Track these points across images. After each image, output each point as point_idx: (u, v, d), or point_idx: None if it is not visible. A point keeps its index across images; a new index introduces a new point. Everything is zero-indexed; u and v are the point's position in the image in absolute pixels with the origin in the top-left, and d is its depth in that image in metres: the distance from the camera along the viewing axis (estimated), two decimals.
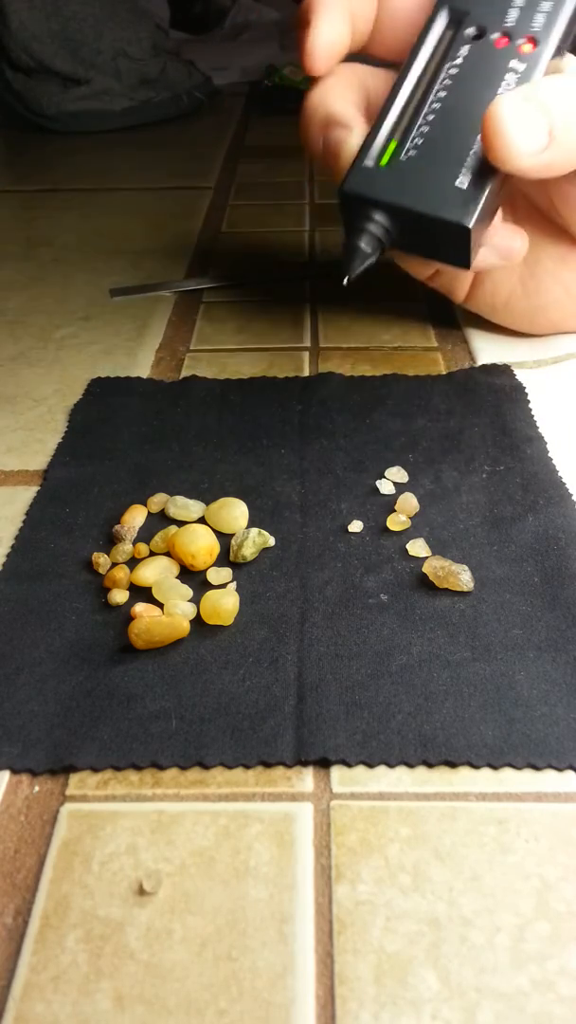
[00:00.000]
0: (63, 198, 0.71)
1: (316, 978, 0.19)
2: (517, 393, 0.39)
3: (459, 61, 0.33)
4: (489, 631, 0.27)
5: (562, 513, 0.31)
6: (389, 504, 0.32)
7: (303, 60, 0.34)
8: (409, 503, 0.32)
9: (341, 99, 0.35)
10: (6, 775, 0.23)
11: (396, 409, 0.38)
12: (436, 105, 0.33)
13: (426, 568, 0.29)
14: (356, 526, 0.31)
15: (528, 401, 0.38)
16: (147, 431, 0.37)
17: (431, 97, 0.33)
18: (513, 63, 0.33)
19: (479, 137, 0.32)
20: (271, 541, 0.30)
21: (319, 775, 0.23)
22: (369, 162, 0.33)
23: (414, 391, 0.40)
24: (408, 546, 0.30)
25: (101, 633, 0.27)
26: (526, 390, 0.39)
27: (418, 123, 0.33)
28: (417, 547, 0.30)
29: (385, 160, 0.33)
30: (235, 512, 0.31)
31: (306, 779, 0.23)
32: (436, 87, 0.33)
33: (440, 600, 0.28)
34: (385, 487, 0.33)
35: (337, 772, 0.23)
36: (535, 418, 0.37)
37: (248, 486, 0.34)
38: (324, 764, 0.23)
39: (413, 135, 0.33)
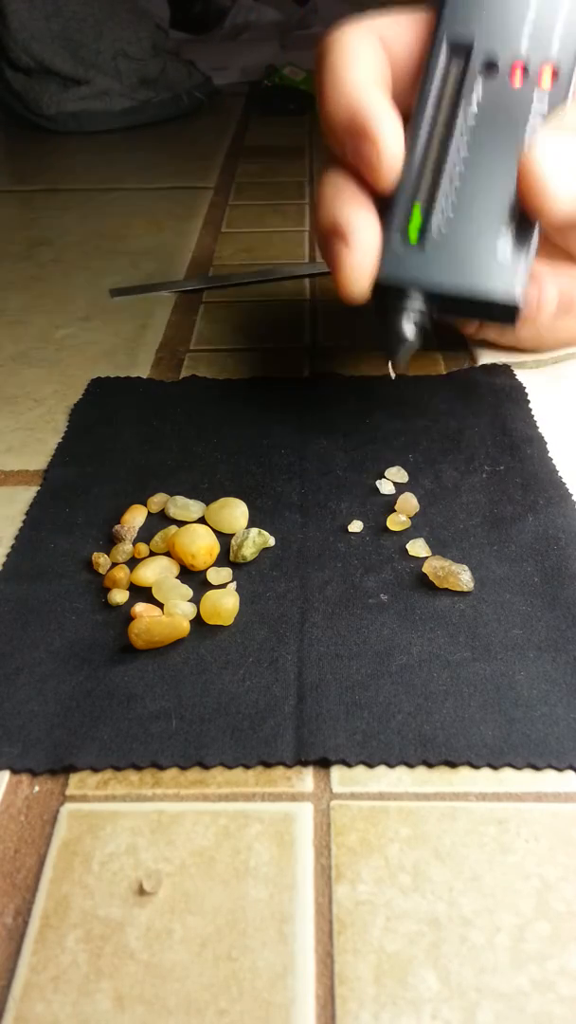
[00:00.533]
0: (63, 198, 0.71)
1: (316, 978, 0.19)
2: (517, 393, 0.39)
3: (474, 108, 0.30)
4: (489, 631, 0.27)
5: (562, 513, 0.31)
6: (389, 504, 0.32)
7: (371, 177, 0.30)
8: (409, 503, 0.32)
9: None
10: (6, 775, 0.23)
11: (396, 409, 0.38)
12: (459, 168, 0.30)
13: (426, 568, 0.29)
14: (356, 526, 0.31)
15: (528, 401, 0.38)
16: (147, 431, 0.37)
17: (450, 153, 0.30)
18: (536, 104, 0.29)
19: (510, 199, 0.29)
20: (271, 541, 0.30)
21: (319, 775, 0.23)
22: (399, 242, 0.30)
23: (414, 391, 0.39)
24: (408, 546, 0.30)
25: (101, 633, 0.27)
26: (526, 390, 0.39)
27: (442, 186, 0.30)
28: (417, 547, 0.30)
29: (414, 235, 0.30)
30: (235, 512, 0.31)
31: (306, 779, 0.23)
32: (454, 140, 0.30)
33: (440, 600, 0.28)
34: (385, 487, 0.33)
35: (337, 772, 0.23)
36: (535, 418, 0.37)
37: (248, 486, 0.34)
38: (324, 764, 0.23)
39: (439, 202, 0.30)
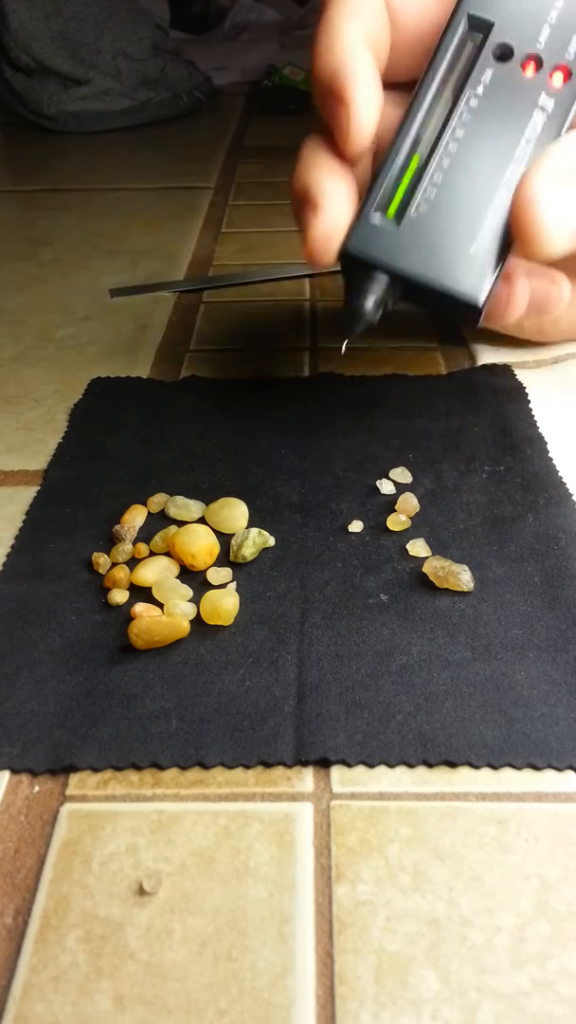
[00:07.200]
0: (63, 198, 0.71)
1: (316, 978, 0.19)
2: (517, 393, 0.39)
3: (480, 90, 0.29)
4: (489, 631, 0.27)
5: (562, 513, 0.31)
6: (389, 504, 0.32)
7: (340, 142, 0.29)
8: (409, 503, 0.32)
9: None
10: (6, 775, 0.23)
11: (396, 409, 0.38)
12: (452, 147, 0.29)
13: (426, 568, 0.29)
14: (356, 526, 0.31)
15: (528, 401, 0.38)
16: (147, 431, 0.37)
17: (448, 132, 0.29)
18: (542, 99, 0.28)
19: (497, 194, 0.28)
20: (271, 541, 0.30)
21: (319, 775, 0.23)
22: (375, 217, 0.29)
23: (414, 391, 0.39)
24: (408, 546, 0.30)
25: (101, 633, 0.27)
26: (526, 390, 0.39)
27: (432, 165, 0.29)
28: (417, 547, 0.30)
29: (392, 211, 0.29)
30: (235, 512, 0.31)
31: (306, 779, 0.23)
32: (454, 119, 0.29)
33: (440, 600, 0.28)
34: (385, 487, 0.33)
35: (337, 772, 0.23)
36: (535, 418, 0.37)
37: (248, 486, 0.34)
38: (324, 764, 0.23)
39: (426, 183, 0.29)
